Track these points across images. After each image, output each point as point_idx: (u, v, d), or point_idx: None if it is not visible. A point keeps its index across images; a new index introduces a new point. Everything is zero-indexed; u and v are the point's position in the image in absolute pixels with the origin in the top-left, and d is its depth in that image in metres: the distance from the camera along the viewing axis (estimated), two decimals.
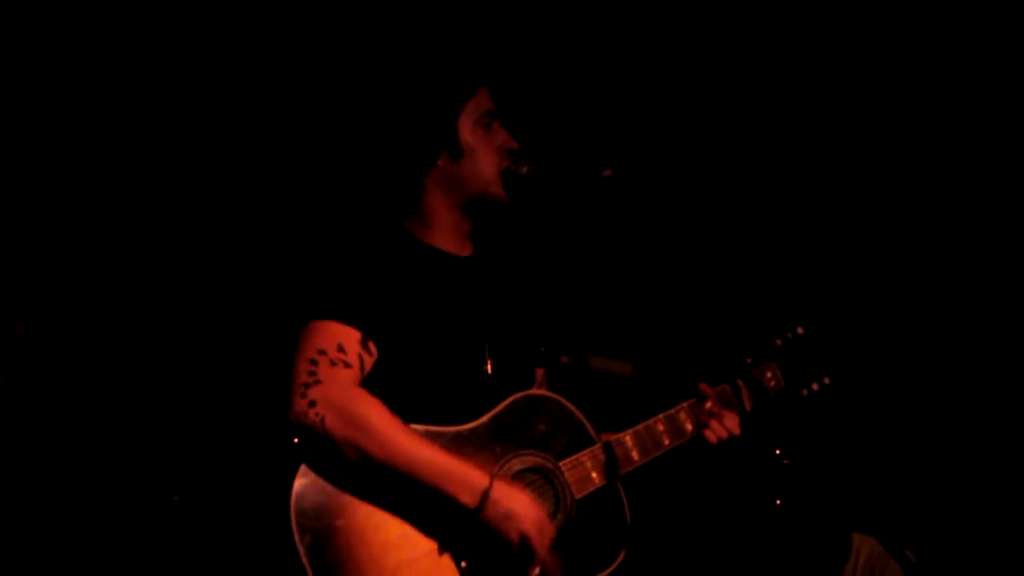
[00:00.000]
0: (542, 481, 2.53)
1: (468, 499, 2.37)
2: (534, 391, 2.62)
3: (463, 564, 2.40)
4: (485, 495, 2.37)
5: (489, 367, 2.61)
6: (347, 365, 2.41)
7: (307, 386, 2.36)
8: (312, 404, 2.34)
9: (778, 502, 3.50)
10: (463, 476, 2.39)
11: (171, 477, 3.45)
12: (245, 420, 3.47)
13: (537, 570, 2.40)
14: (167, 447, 3.50)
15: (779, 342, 2.91)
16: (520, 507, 2.39)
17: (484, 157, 2.65)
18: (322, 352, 2.39)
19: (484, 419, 2.51)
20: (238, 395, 3.52)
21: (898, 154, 3.88)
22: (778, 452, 2.93)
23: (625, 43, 3.86)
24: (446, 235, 2.68)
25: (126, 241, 3.53)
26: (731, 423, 2.70)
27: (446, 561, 2.39)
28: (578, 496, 2.54)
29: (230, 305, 3.61)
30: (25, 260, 3.19)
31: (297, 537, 2.29)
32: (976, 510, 3.74)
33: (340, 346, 2.41)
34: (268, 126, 3.69)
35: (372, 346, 2.47)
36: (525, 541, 2.38)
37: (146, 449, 3.47)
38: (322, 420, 2.33)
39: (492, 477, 2.40)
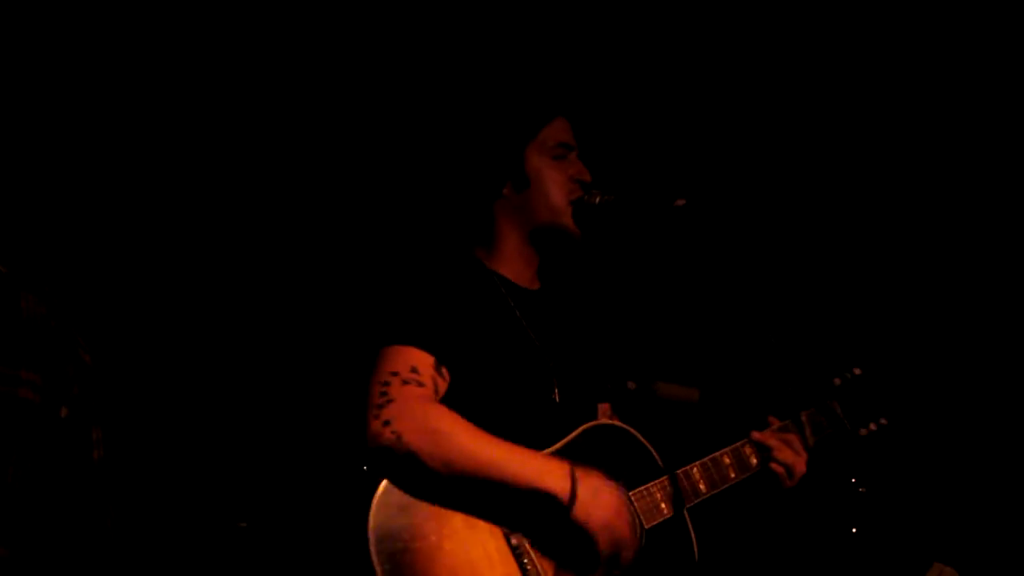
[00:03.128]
0: None
1: (559, 484, 2.33)
2: (605, 421, 2.61)
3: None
4: (573, 477, 2.34)
5: (557, 396, 2.59)
6: (420, 384, 2.37)
7: (380, 407, 2.32)
8: (387, 423, 2.30)
9: (854, 530, 3.48)
10: (548, 464, 2.36)
11: (244, 503, 3.50)
12: (322, 445, 3.47)
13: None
14: (240, 473, 3.54)
15: (838, 381, 2.91)
16: (603, 480, 2.39)
17: (552, 187, 2.65)
18: (395, 374, 2.36)
19: (555, 448, 2.49)
20: (314, 420, 3.54)
21: (962, 198, 3.84)
22: (854, 480, 2.93)
23: (697, 74, 3.89)
24: (514, 266, 2.69)
25: (200, 269, 3.59)
26: (796, 457, 2.69)
27: None
28: (647, 526, 2.52)
29: (300, 330, 3.64)
30: (92, 288, 3.27)
31: (375, 559, 2.24)
32: None
33: (413, 367, 2.38)
34: (343, 149, 3.73)
35: (445, 372, 2.44)
36: (620, 510, 2.37)
37: (219, 474, 3.52)
38: (398, 436, 2.29)
39: (572, 468, 2.37)
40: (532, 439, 2.47)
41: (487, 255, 2.71)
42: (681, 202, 2.61)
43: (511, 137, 2.69)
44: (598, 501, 2.36)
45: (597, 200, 2.66)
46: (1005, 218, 3.79)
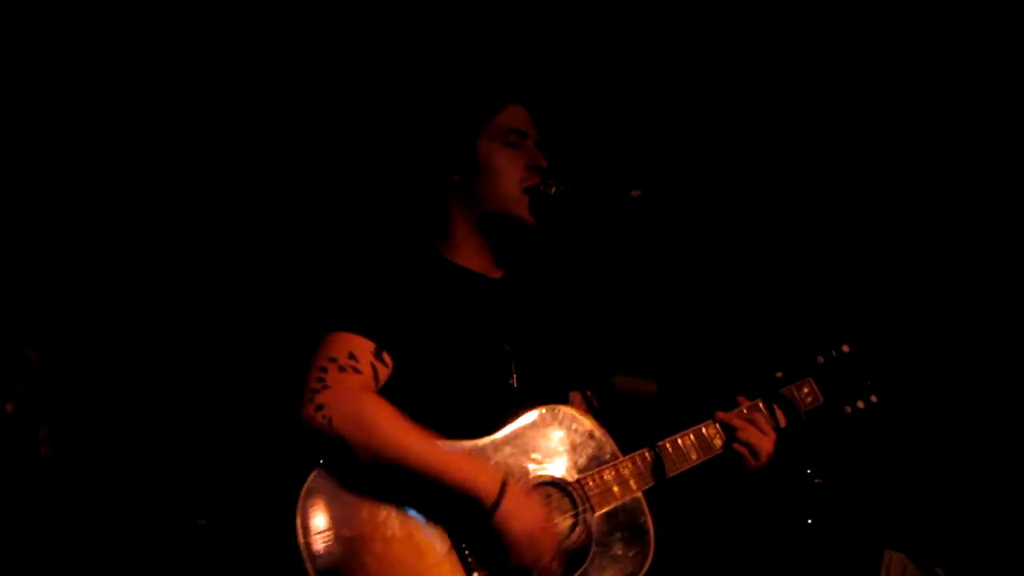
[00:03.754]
0: (560, 495, 2.52)
1: (486, 488, 2.35)
2: (555, 404, 2.60)
3: (470, 560, 2.37)
4: (501, 492, 2.36)
5: (515, 381, 2.60)
6: (357, 371, 2.41)
7: (315, 391, 2.37)
8: (319, 408, 2.34)
9: (809, 521, 3.50)
10: (478, 473, 2.38)
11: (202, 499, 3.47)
12: (261, 431, 3.43)
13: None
14: (198, 468, 3.49)
15: (821, 359, 2.90)
16: (527, 509, 2.38)
17: (503, 175, 2.66)
18: (332, 360, 2.41)
19: (502, 431, 2.51)
20: (271, 410, 3.51)
21: (960, 175, 3.83)
22: (809, 471, 2.93)
23: (654, 62, 3.87)
24: (471, 254, 2.70)
25: (147, 259, 3.52)
26: (761, 437, 2.67)
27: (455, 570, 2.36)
28: (598, 511, 2.52)
29: (247, 318, 3.59)
30: (36, 281, 3.21)
31: (301, 543, 2.28)
32: (1007, 527, 3.72)
33: (351, 354, 2.43)
34: (300, 138, 3.66)
35: (387, 357, 2.48)
36: (530, 541, 2.35)
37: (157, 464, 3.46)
38: (329, 422, 2.33)
39: (506, 476, 2.39)
40: (484, 423, 2.50)
41: (443, 244, 2.72)
42: (636, 193, 2.63)
43: (462, 123, 2.69)
44: (522, 513, 2.37)
45: (552, 191, 2.66)
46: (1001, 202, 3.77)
